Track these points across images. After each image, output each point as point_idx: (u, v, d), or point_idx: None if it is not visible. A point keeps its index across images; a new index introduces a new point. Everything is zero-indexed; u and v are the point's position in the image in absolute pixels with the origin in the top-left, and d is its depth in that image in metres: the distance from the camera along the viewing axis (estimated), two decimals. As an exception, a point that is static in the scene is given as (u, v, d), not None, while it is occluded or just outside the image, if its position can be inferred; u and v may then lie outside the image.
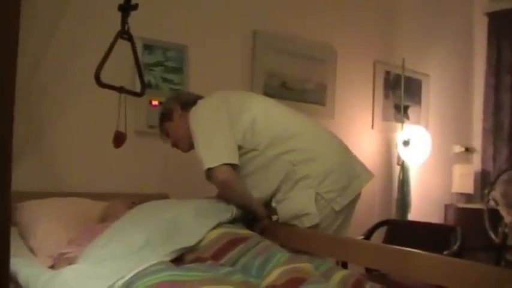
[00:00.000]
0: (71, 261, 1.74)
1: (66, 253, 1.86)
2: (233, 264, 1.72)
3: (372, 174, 2.35)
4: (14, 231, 2.35)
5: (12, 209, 2.38)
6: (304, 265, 1.59)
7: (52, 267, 1.73)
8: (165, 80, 3.13)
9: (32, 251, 2.17)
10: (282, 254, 1.67)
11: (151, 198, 2.83)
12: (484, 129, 5.29)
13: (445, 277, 1.51)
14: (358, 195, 2.27)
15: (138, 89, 2.63)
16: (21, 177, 2.58)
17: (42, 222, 2.25)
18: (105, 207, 2.40)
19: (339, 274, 1.71)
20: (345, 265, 2.36)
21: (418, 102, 4.83)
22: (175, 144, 2.46)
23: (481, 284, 1.39)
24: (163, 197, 2.98)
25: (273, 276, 1.52)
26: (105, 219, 2.31)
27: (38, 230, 2.22)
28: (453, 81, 5.20)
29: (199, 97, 2.41)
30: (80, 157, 2.82)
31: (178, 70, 3.19)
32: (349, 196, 2.20)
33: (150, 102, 3.01)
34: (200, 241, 1.82)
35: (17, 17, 0.74)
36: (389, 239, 3.64)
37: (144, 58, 3.01)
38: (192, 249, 1.79)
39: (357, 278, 1.69)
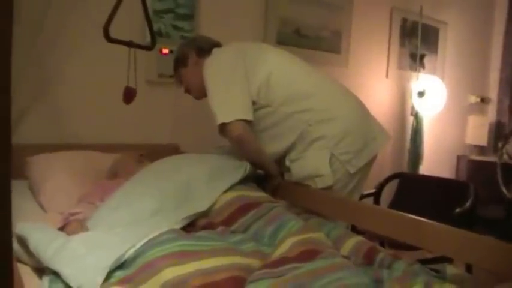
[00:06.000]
0: (81, 222, 1.71)
1: (76, 213, 1.83)
2: (245, 230, 1.69)
3: (389, 135, 2.29)
4: (24, 185, 2.34)
5: (23, 163, 2.36)
6: (318, 235, 1.55)
7: (62, 228, 1.70)
8: (175, 27, 3.04)
9: (41, 207, 2.16)
10: (294, 222, 1.63)
11: (162, 149, 2.81)
12: (501, 80, 5.17)
13: (455, 251, 1.48)
14: (373, 158, 2.22)
15: (148, 39, 2.54)
16: (30, 130, 2.55)
17: (51, 178, 2.24)
18: (115, 162, 2.37)
19: (351, 241, 1.68)
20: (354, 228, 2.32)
21: (435, 51, 4.70)
22: (188, 91, 2.40)
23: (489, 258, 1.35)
24: (174, 147, 2.95)
25: (286, 246, 1.48)
26: (116, 174, 2.28)
27: (47, 185, 2.20)
28: (472, 29, 5.05)
29: (216, 44, 2.33)
30: (90, 108, 2.78)
31: (190, 17, 3.09)
32: (365, 158, 2.15)
33: (161, 50, 2.93)
34: (212, 205, 1.79)
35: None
36: (401, 193, 3.62)
37: (154, 5, 2.92)
38: (203, 214, 1.75)
39: (370, 245, 1.66)
